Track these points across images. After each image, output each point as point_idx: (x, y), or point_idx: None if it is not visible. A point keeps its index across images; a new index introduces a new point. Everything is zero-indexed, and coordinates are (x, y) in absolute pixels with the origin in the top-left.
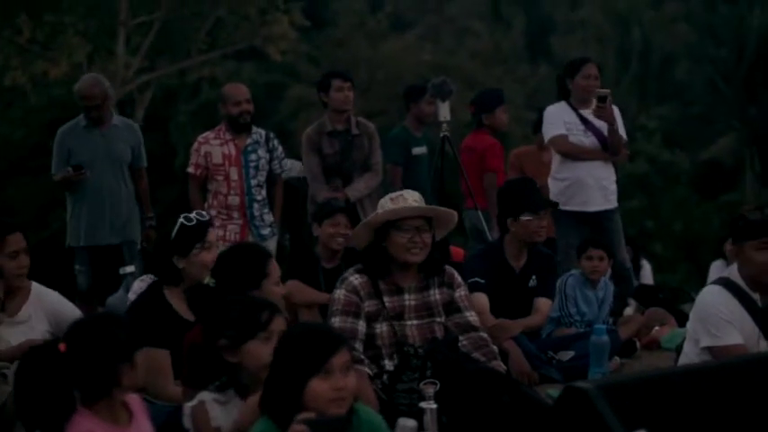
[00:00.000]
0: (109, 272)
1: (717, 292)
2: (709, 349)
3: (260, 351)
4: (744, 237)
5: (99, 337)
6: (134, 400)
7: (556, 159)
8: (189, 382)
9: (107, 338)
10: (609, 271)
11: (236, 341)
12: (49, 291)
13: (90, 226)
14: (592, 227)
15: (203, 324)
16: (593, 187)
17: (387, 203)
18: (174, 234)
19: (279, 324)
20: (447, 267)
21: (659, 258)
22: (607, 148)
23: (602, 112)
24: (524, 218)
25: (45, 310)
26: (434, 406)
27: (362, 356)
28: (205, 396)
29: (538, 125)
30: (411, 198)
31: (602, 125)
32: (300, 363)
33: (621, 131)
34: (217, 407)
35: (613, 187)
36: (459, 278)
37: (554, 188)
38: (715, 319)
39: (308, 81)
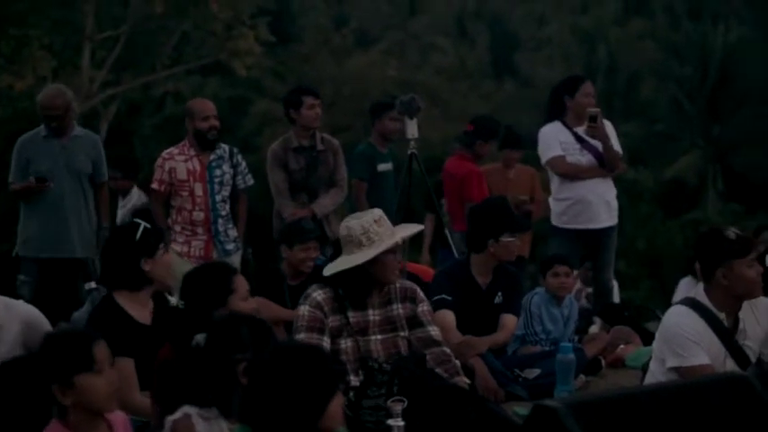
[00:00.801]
0: (66, 285)
1: (683, 312)
2: (676, 369)
3: None
4: (731, 256)
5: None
6: (118, 418)
7: (555, 180)
8: (159, 399)
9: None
10: (574, 288)
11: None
12: (18, 302)
13: (46, 237)
14: (591, 244)
15: (175, 344)
16: (596, 204)
17: (372, 226)
18: (138, 237)
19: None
20: (409, 283)
21: (623, 276)
22: (604, 165)
23: (594, 132)
24: (505, 239)
25: (18, 320)
26: (402, 423)
27: None
28: (190, 410)
29: (503, 142)
30: (383, 218)
31: (597, 142)
32: (330, 384)
33: (616, 146)
34: (201, 422)
35: (615, 203)
36: (421, 293)
37: (556, 208)
38: (681, 339)
39: (272, 96)
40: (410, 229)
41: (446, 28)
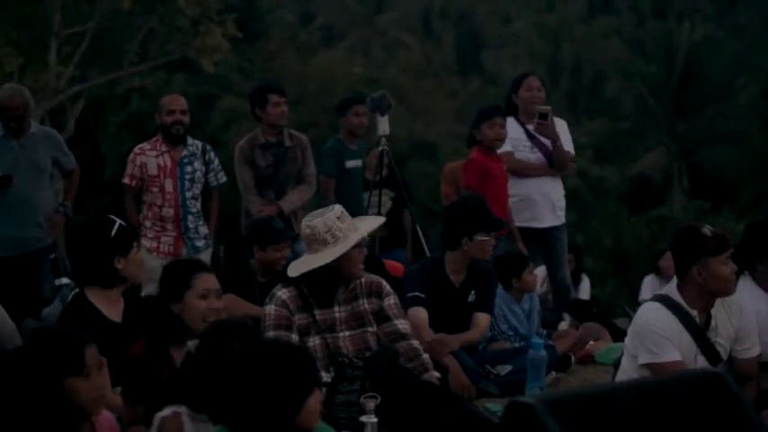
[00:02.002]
0: (27, 281)
1: (655, 308)
2: (648, 366)
3: None
4: (708, 253)
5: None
6: (106, 419)
7: None
8: (129, 397)
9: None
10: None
11: None
12: None
13: (6, 237)
14: (539, 243)
15: (148, 339)
16: (541, 203)
17: (336, 223)
18: (113, 234)
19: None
20: (374, 277)
21: (589, 273)
22: (553, 164)
23: (544, 129)
24: (479, 237)
25: None
26: (375, 420)
27: None
28: (180, 408)
29: (471, 139)
30: (345, 214)
31: (548, 140)
32: (306, 381)
33: (568, 146)
34: (190, 421)
35: (562, 203)
36: (387, 287)
37: None
38: (653, 336)
39: (239, 93)
40: (373, 223)
41: (412, 25)
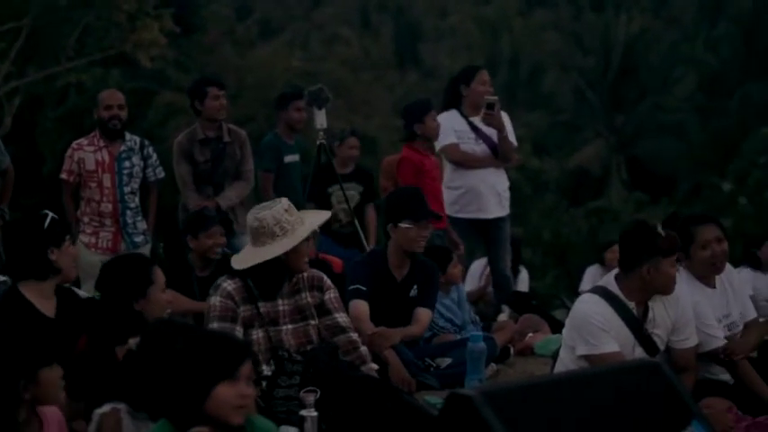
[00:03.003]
0: None
1: (592, 300)
2: (586, 357)
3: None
4: (661, 254)
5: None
6: (52, 414)
7: (448, 168)
8: (72, 393)
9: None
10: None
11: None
12: None
13: None
14: (483, 234)
15: (92, 336)
16: (487, 194)
17: (284, 216)
18: (46, 226)
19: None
20: (315, 271)
21: (529, 265)
22: (498, 155)
23: (491, 119)
24: (404, 225)
25: None
26: (315, 414)
27: None
28: (119, 405)
29: (411, 133)
30: (292, 207)
31: (492, 132)
32: (211, 367)
33: (512, 137)
34: (129, 418)
35: (507, 194)
36: (328, 281)
37: (448, 197)
38: (591, 327)
39: (177, 87)
40: (319, 217)
41: (350, 19)
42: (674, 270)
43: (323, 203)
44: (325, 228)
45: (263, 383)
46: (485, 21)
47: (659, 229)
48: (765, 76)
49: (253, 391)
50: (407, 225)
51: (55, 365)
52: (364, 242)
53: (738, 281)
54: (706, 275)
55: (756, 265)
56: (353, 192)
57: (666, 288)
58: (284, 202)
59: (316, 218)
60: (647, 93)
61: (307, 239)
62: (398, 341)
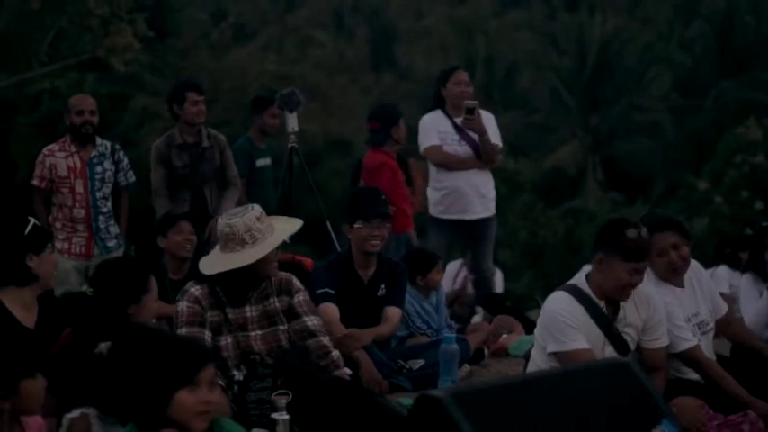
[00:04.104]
0: None
1: (562, 298)
2: (556, 355)
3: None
4: (619, 252)
5: None
6: (35, 423)
7: (433, 169)
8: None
9: None
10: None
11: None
12: None
13: None
14: (467, 235)
15: (78, 331)
16: (471, 195)
17: (255, 224)
18: (27, 232)
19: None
20: (284, 273)
21: (505, 266)
22: (481, 157)
23: (471, 124)
24: (356, 225)
25: None
26: (287, 417)
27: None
28: (88, 410)
29: (385, 138)
30: (263, 214)
31: (475, 134)
32: (169, 373)
33: (496, 138)
34: (99, 423)
35: (492, 194)
36: (297, 283)
37: (432, 197)
38: (560, 324)
39: (151, 92)
40: (291, 225)
41: (324, 21)
42: (626, 276)
43: (289, 208)
44: None
45: (235, 388)
46: (459, 22)
47: (631, 231)
48: (740, 75)
49: (216, 397)
50: (359, 225)
51: (37, 376)
52: (336, 243)
53: (707, 279)
54: (669, 279)
55: (734, 264)
56: None
57: (615, 291)
58: (256, 209)
59: (287, 226)
60: (622, 93)
61: (277, 249)
62: (369, 341)
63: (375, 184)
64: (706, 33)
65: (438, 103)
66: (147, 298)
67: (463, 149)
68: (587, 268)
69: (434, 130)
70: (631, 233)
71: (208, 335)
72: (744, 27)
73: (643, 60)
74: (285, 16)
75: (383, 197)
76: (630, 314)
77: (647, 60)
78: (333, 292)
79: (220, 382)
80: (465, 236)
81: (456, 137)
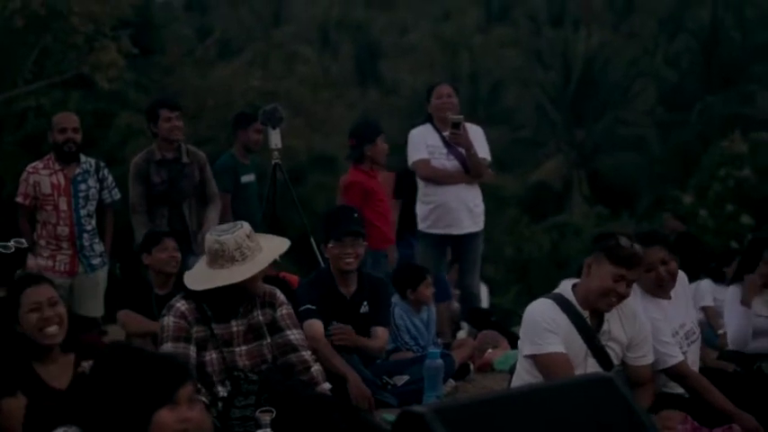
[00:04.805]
0: None
1: (544, 303)
2: (533, 358)
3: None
4: (609, 256)
5: None
6: None
7: (421, 184)
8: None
9: None
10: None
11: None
12: None
13: None
14: (454, 249)
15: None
16: (458, 210)
17: (245, 241)
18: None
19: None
20: (268, 287)
21: (491, 281)
22: (469, 171)
23: (457, 139)
24: (330, 244)
25: None
26: None
27: (198, 385)
28: (71, 428)
29: (360, 155)
30: (252, 232)
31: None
32: (148, 393)
33: (484, 152)
34: None
35: (480, 209)
36: (281, 297)
37: (421, 212)
38: (537, 328)
39: (136, 108)
40: (279, 244)
41: (310, 37)
42: (610, 282)
43: (274, 224)
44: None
45: (219, 404)
46: (444, 38)
47: (624, 239)
48: (725, 89)
49: (196, 413)
50: (332, 244)
51: (19, 395)
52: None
53: (688, 288)
54: (655, 293)
55: (718, 278)
56: None
57: (598, 297)
58: (246, 226)
59: (275, 244)
60: (608, 107)
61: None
62: (356, 345)
63: (346, 202)
64: (691, 47)
65: (428, 117)
66: (21, 312)
67: (451, 163)
68: (568, 283)
69: (423, 143)
70: (625, 241)
71: (193, 350)
72: (729, 41)
73: (628, 75)
74: (270, 32)
75: (356, 215)
76: (615, 329)
77: (633, 75)
78: (314, 308)
79: (203, 398)
80: (452, 251)
81: (444, 151)
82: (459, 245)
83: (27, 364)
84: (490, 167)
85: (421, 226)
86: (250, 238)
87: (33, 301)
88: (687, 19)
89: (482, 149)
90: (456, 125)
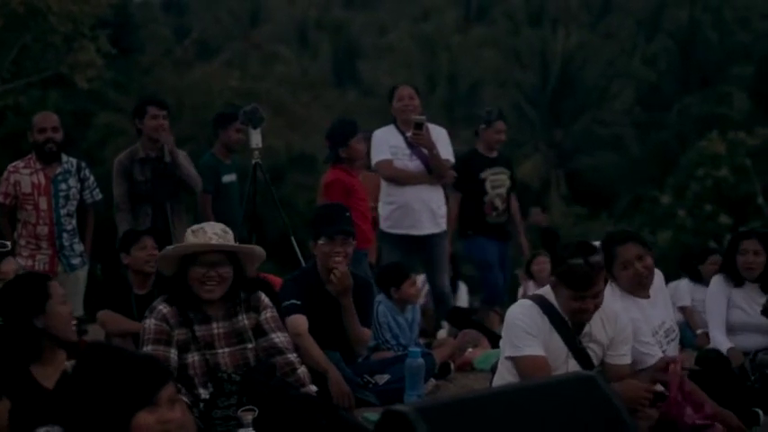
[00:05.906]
0: None
1: (525, 305)
2: (512, 359)
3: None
4: (562, 281)
5: None
6: None
7: (383, 184)
8: None
9: None
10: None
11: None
12: None
13: None
14: (419, 250)
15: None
16: (420, 211)
17: (189, 236)
18: None
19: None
20: (254, 291)
21: (469, 280)
22: (432, 172)
23: (419, 139)
24: (320, 242)
25: None
26: None
27: (179, 385)
28: (54, 429)
29: (336, 156)
30: (211, 231)
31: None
32: (128, 395)
33: (447, 154)
34: None
35: (442, 210)
36: (266, 300)
37: (383, 212)
38: (517, 330)
39: (115, 108)
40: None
41: (288, 38)
42: (576, 304)
43: (255, 224)
44: (479, 223)
45: (201, 405)
46: (422, 38)
47: (576, 260)
48: (703, 90)
49: (177, 414)
50: (322, 242)
51: (3, 399)
52: (300, 258)
53: (665, 287)
54: (634, 291)
55: (696, 277)
56: (504, 176)
57: (570, 315)
58: (217, 226)
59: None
60: (586, 107)
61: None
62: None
63: (328, 201)
64: (669, 48)
65: (393, 118)
66: (50, 304)
67: (414, 164)
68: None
69: (385, 144)
70: (575, 261)
71: (174, 353)
72: (706, 42)
73: (606, 75)
74: (249, 32)
75: (347, 214)
76: (597, 331)
77: (611, 75)
78: (299, 303)
79: (185, 399)
80: (416, 252)
81: (407, 152)
82: (423, 247)
83: (23, 366)
84: (453, 169)
85: (383, 226)
86: (226, 232)
87: (62, 293)
88: (665, 19)
89: (445, 150)
90: (419, 125)
